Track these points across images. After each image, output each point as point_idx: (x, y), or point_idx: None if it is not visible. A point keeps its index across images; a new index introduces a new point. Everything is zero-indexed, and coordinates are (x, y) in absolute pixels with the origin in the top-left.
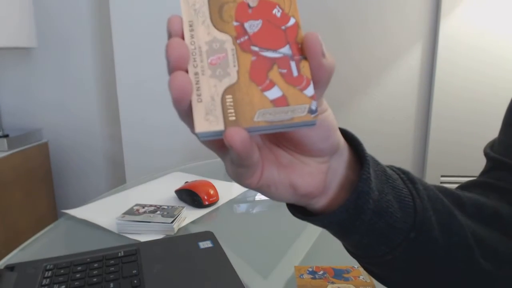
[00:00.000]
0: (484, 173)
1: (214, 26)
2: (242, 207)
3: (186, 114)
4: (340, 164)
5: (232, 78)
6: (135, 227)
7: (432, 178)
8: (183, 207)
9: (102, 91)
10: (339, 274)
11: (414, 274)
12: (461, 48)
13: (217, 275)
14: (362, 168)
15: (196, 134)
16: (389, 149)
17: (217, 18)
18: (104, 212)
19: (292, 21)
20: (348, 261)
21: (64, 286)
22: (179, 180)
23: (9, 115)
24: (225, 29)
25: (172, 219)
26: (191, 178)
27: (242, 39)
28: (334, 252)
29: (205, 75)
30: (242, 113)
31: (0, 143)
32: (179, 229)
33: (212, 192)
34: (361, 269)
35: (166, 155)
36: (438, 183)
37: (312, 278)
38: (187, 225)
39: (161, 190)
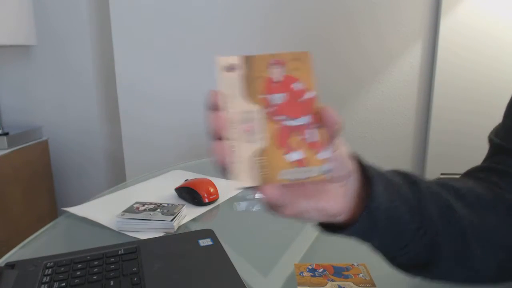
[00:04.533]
0: (487, 158)
1: (247, 98)
2: (242, 205)
3: (225, 171)
4: (353, 182)
5: (261, 143)
6: (135, 225)
7: (432, 176)
8: (183, 205)
9: (102, 88)
10: (339, 272)
11: (427, 262)
12: (462, 43)
13: (217, 273)
14: (371, 187)
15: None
16: (389, 144)
17: (249, 91)
18: (104, 210)
19: (310, 94)
20: (348, 259)
21: (64, 284)
22: (179, 178)
23: (9, 113)
24: (256, 101)
25: (172, 217)
26: (191, 176)
27: (269, 110)
28: (334, 250)
29: (239, 141)
30: (269, 173)
31: (0, 141)
32: (179, 227)
33: (212, 190)
34: (361, 267)
35: (166, 153)
36: None
37: (312, 276)
38: (187, 223)
39: (161, 188)
